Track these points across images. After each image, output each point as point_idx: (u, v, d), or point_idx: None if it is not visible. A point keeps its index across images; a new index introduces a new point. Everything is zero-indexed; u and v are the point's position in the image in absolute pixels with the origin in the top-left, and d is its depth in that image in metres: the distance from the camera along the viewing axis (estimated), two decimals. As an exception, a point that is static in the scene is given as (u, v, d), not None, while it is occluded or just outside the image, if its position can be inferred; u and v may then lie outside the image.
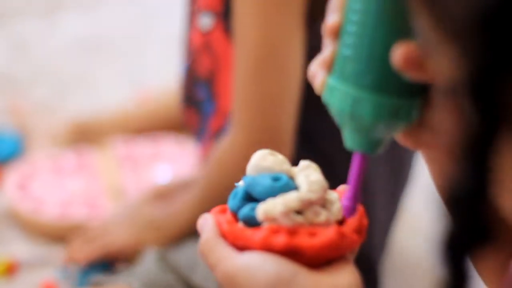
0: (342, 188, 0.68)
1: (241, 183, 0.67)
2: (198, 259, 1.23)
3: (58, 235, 1.41)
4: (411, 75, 0.57)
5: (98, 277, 1.24)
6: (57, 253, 1.38)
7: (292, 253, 0.62)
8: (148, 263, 1.24)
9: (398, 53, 0.56)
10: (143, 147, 1.60)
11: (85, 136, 1.64)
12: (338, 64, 0.62)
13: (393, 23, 0.58)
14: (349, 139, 0.64)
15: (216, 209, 0.68)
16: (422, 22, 0.49)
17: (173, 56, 1.98)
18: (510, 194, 0.48)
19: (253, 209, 0.65)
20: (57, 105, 1.80)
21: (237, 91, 1.16)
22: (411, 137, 0.63)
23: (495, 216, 0.49)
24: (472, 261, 0.63)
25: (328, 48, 0.62)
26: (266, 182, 0.65)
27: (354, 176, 0.65)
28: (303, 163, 0.67)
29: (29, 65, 1.95)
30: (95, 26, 2.15)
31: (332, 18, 0.61)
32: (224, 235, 0.65)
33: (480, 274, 0.68)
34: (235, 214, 0.66)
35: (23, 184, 1.50)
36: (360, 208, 0.66)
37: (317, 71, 0.63)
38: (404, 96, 0.60)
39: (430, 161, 0.65)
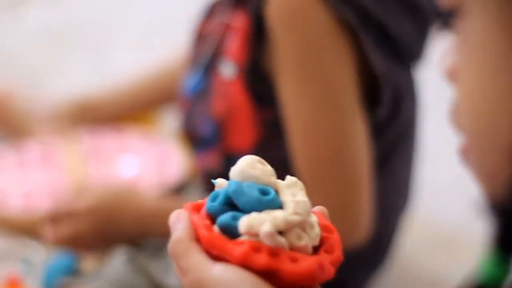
0: (317, 209, 0.67)
1: (220, 183, 0.65)
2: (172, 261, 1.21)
3: (22, 228, 1.39)
4: None
5: (66, 279, 1.23)
6: (21, 246, 1.36)
7: (269, 275, 0.61)
8: (117, 265, 1.22)
9: None
10: (109, 140, 1.58)
11: (87, 115, 1.59)
12: None
13: None
14: None
15: (189, 205, 0.65)
16: None
17: (140, 46, 1.98)
18: None
19: (235, 218, 0.62)
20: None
21: (314, 182, 1.13)
22: None
23: None
24: None
25: None
26: (254, 193, 0.63)
27: None
28: (290, 179, 0.65)
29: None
30: (62, 17, 2.14)
31: None
32: (199, 240, 0.63)
33: None
34: (210, 216, 0.64)
35: (-13, 177, 1.49)
36: (339, 242, 0.65)
37: None
38: None
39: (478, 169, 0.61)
